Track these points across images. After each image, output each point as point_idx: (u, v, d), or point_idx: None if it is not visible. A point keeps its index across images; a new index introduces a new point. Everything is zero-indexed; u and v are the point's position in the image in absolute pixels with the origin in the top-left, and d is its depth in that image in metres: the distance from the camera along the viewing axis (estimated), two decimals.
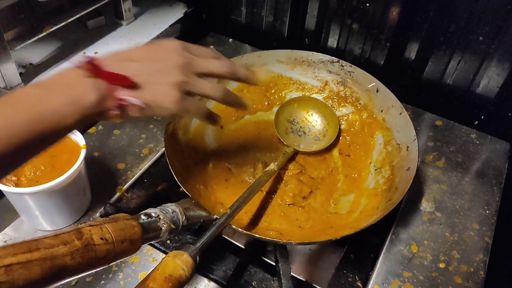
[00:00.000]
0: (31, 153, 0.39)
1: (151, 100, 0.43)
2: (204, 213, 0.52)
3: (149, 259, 0.60)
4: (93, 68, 0.40)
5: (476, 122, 0.86)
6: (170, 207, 0.48)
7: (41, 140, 0.38)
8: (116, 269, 0.58)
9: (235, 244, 0.68)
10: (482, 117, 0.86)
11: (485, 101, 0.84)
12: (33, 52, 0.81)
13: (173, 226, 0.46)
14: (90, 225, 0.39)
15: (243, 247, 0.68)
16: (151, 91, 0.43)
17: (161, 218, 0.45)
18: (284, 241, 0.51)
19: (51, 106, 0.38)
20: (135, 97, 0.42)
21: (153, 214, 0.45)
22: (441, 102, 0.88)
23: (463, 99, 0.85)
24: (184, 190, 0.55)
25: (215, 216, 0.53)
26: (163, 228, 0.45)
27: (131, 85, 0.42)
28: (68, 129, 0.39)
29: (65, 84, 0.39)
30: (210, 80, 0.48)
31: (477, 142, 0.80)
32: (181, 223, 0.47)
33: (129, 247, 0.41)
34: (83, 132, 0.61)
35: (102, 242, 0.38)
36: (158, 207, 0.47)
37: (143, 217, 0.44)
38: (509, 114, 0.83)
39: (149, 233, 0.44)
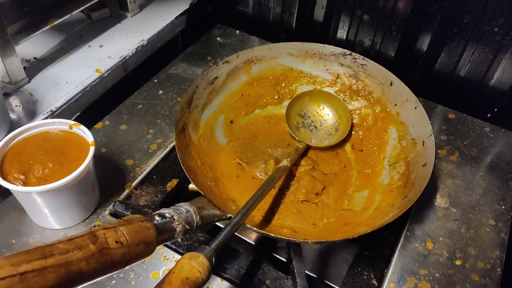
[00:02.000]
0: None
1: None
2: (218, 212, 0.51)
3: (160, 258, 0.58)
4: None
5: (489, 115, 0.85)
6: (184, 206, 0.47)
7: None
8: (128, 268, 0.57)
9: (245, 241, 0.67)
10: (496, 109, 0.84)
11: (499, 94, 0.82)
12: (37, 45, 0.79)
13: (187, 227, 0.45)
14: (105, 228, 0.37)
15: (253, 243, 0.67)
16: None
17: (176, 218, 0.44)
18: (300, 240, 0.50)
19: None
20: None
21: (167, 215, 0.44)
22: (453, 94, 0.86)
23: (476, 91, 0.84)
24: (197, 188, 0.54)
25: (229, 215, 0.52)
26: (177, 229, 0.44)
27: None
28: None
29: None
30: None
31: (491, 135, 0.78)
32: (195, 223, 0.46)
33: (144, 249, 0.40)
34: (89, 127, 0.60)
35: (117, 245, 0.37)
36: (172, 207, 0.46)
37: (157, 218, 0.43)
38: None
39: (163, 235, 0.43)
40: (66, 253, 0.34)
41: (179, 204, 0.47)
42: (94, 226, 0.38)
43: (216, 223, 0.65)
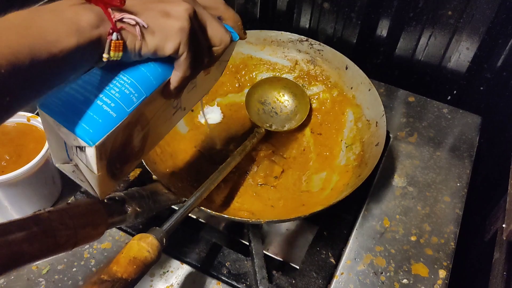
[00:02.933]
0: (34, 86, 0.32)
1: (155, 22, 0.35)
2: (172, 196, 0.52)
3: (121, 245, 0.59)
4: None
5: (449, 98, 0.87)
6: (136, 190, 0.48)
7: (37, 67, 0.30)
8: (88, 256, 0.58)
9: (212, 227, 0.68)
10: (455, 92, 0.87)
11: (457, 76, 0.84)
12: None
13: (138, 209, 0.45)
14: (49, 211, 0.38)
15: (220, 230, 0.68)
16: (153, 14, 0.36)
17: (126, 201, 0.45)
18: (254, 220, 0.51)
19: (41, 22, 0.31)
20: (134, 17, 0.35)
21: (117, 198, 0.45)
22: (413, 78, 0.88)
23: (435, 74, 0.86)
24: (152, 173, 0.55)
25: (184, 199, 0.53)
26: (128, 211, 0.45)
27: (129, 9, 0.35)
28: (66, 57, 0.31)
29: (54, 7, 0.33)
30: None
31: (449, 116, 0.80)
32: (147, 206, 0.47)
33: (92, 232, 0.41)
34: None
35: (62, 227, 0.38)
36: (123, 191, 0.47)
37: (106, 201, 0.44)
38: (481, 88, 0.84)
39: (113, 217, 0.44)
40: (7, 234, 0.34)
41: (132, 188, 0.48)
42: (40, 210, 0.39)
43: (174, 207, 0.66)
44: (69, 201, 0.42)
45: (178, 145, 0.68)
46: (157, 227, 0.44)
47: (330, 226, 0.63)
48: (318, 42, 0.72)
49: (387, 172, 0.70)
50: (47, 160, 0.58)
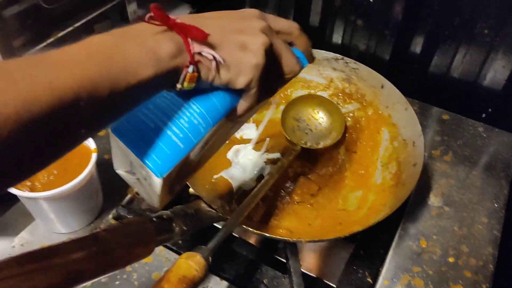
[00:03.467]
0: (108, 114, 0.32)
1: (231, 57, 0.36)
2: (214, 214, 0.53)
3: (162, 259, 0.61)
4: (165, 20, 0.34)
5: (484, 115, 0.86)
6: (182, 209, 0.49)
7: (113, 97, 0.31)
8: (130, 269, 0.59)
9: (246, 242, 0.69)
10: (490, 110, 0.86)
11: (492, 94, 0.84)
12: None
13: (184, 228, 0.47)
14: (106, 230, 0.40)
15: (254, 244, 0.69)
16: (231, 48, 0.36)
17: (173, 220, 0.46)
18: (294, 239, 0.52)
19: (124, 51, 0.31)
20: (213, 52, 0.35)
21: (165, 217, 0.46)
22: (447, 96, 0.88)
23: (469, 92, 0.85)
24: (194, 191, 0.56)
25: (226, 217, 0.54)
26: (175, 230, 0.46)
27: (208, 41, 0.35)
28: (142, 86, 0.32)
29: (137, 34, 0.33)
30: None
31: (484, 135, 0.80)
32: (192, 224, 0.48)
33: (143, 249, 0.42)
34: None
35: (117, 246, 0.39)
36: (170, 209, 0.48)
37: (155, 219, 0.45)
38: None
39: (162, 235, 0.45)
40: (69, 253, 0.36)
41: (177, 206, 0.50)
42: (96, 229, 0.41)
43: (215, 224, 0.67)
44: (120, 220, 0.43)
45: (216, 160, 0.69)
46: (203, 246, 0.45)
47: (366, 245, 0.63)
48: (354, 61, 0.73)
49: (422, 191, 0.70)
50: (92, 175, 0.61)
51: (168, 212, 0.47)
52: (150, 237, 0.43)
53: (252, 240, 0.69)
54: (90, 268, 0.37)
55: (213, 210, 0.54)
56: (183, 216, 0.48)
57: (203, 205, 0.54)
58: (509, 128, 0.81)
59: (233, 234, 0.69)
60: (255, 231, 0.53)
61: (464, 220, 0.67)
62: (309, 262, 0.67)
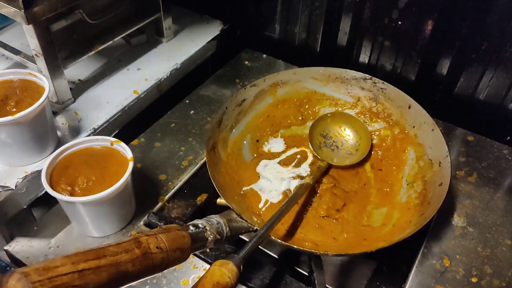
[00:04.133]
0: None
1: None
2: (245, 225, 0.56)
3: (190, 266, 0.63)
4: None
5: (508, 138, 0.87)
6: (215, 218, 0.51)
7: None
8: (160, 275, 0.62)
9: (269, 254, 0.71)
10: None
11: None
12: (81, 69, 0.86)
13: (218, 237, 0.49)
14: (147, 235, 0.42)
15: (276, 257, 0.71)
16: None
17: (208, 229, 0.49)
18: (321, 252, 0.54)
19: None
20: None
21: (200, 225, 0.49)
22: (473, 117, 0.89)
23: (495, 115, 0.86)
24: (225, 202, 0.59)
25: (255, 227, 0.56)
26: (209, 238, 0.48)
27: None
28: None
29: None
30: None
31: (509, 157, 0.80)
32: (225, 234, 0.51)
33: (180, 255, 0.45)
34: (126, 144, 0.65)
35: (157, 250, 0.42)
36: (204, 218, 0.51)
37: (191, 228, 0.48)
38: None
39: (197, 243, 0.47)
40: (116, 255, 0.39)
41: (211, 216, 0.52)
42: (137, 233, 0.43)
43: (240, 237, 0.70)
44: (162, 226, 0.46)
45: (244, 173, 0.72)
46: (235, 254, 0.47)
47: (390, 262, 0.64)
48: (382, 81, 0.75)
49: (446, 211, 0.71)
50: (128, 183, 0.64)
51: (203, 221, 0.50)
52: (187, 244, 0.46)
53: (274, 252, 0.70)
54: (133, 270, 0.39)
55: (244, 221, 0.56)
56: (217, 225, 0.50)
57: (234, 215, 0.56)
58: None
59: (259, 246, 0.71)
60: (283, 242, 0.55)
61: (488, 241, 0.67)
62: (330, 276, 0.68)
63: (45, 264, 0.34)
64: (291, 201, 0.60)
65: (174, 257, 0.44)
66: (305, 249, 0.55)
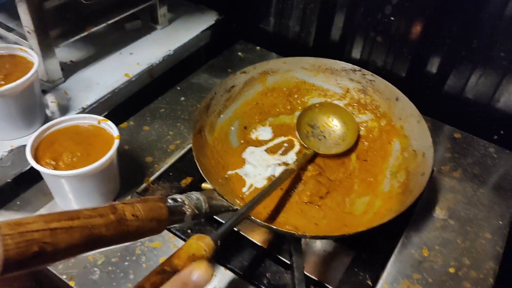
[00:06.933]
0: None
1: None
2: (225, 204, 0.56)
3: (170, 245, 0.63)
4: None
5: (496, 137, 0.88)
6: (195, 194, 0.52)
7: None
8: (140, 252, 0.62)
9: (251, 241, 0.71)
10: (502, 132, 0.87)
11: (505, 116, 0.85)
12: (74, 50, 0.86)
13: (196, 212, 0.49)
14: (124, 203, 0.43)
15: (260, 244, 0.71)
16: None
17: (186, 203, 0.49)
18: (300, 233, 0.54)
19: None
20: None
21: (178, 199, 0.49)
22: (461, 115, 0.89)
23: (483, 113, 0.87)
24: (208, 182, 0.59)
25: (235, 207, 0.57)
26: (187, 212, 0.49)
27: None
28: None
29: None
30: None
31: (495, 156, 0.81)
32: (203, 210, 0.51)
33: (156, 226, 0.45)
34: (115, 125, 0.66)
35: (133, 218, 0.42)
36: (184, 194, 0.51)
37: (170, 201, 0.48)
38: None
39: (174, 216, 0.48)
40: (90, 218, 0.39)
41: (191, 192, 0.52)
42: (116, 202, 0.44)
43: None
44: (140, 197, 0.46)
45: (230, 158, 0.72)
46: (213, 231, 0.48)
47: (369, 250, 0.65)
48: (371, 73, 0.76)
49: (429, 204, 0.72)
50: (112, 160, 0.64)
51: (182, 196, 0.50)
52: (163, 215, 0.46)
53: (257, 239, 0.70)
54: (107, 234, 0.40)
55: (225, 200, 0.56)
56: (196, 201, 0.51)
57: (216, 195, 0.57)
58: None
59: (240, 232, 0.71)
60: (262, 222, 0.55)
61: (468, 234, 0.68)
62: (311, 266, 0.68)
63: (17, 220, 0.35)
64: (274, 184, 0.61)
65: (150, 227, 0.44)
66: (284, 229, 0.55)
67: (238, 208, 0.56)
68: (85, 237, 0.38)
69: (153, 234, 0.46)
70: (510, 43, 0.78)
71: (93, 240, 0.39)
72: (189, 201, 0.50)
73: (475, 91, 0.86)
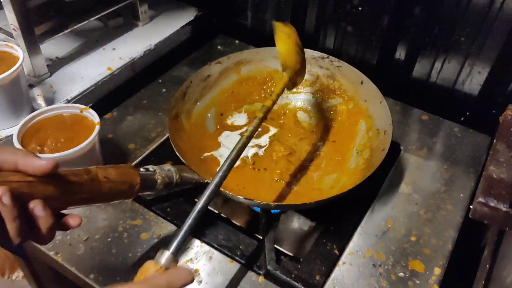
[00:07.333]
0: None
1: None
2: (197, 176, 0.60)
3: (150, 223, 0.68)
4: None
5: (462, 119, 0.92)
6: (167, 166, 0.56)
7: None
8: (122, 230, 0.66)
9: (231, 222, 0.75)
10: (467, 113, 0.92)
11: (469, 99, 0.90)
12: (59, 47, 0.91)
13: (167, 180, 0.54)
14: (97, 167, 0.47)
15: (238, 224, 0.75)
16: None
17: (158, 172, 0.54)
18: (264, 202, 0.59)
19: None
20: None
21: (150, 169, 0.54)
22: (429, 99, 0.94)
23: (448, 96, 0.92)
24: (181, 159, 0.63)
25: (206, 181, 0.61)
26: (158, 180, 0.53)
27: None
28: None
29: None
30: None
31: (459, 135, 0.86)
32: (174, 180, 0.56)
33: (128, 189, 0.50)
34: (100, 117, 0.70)
35: (105, 179, 0.47)
36: (156, 165, 0.56)
37: (142, 169, 0.53)
38: (493, 111, 0.89)
39: (146, 183, 0.52)
40: (65, 176, 0.43)
41: (164, 164, 0.57)
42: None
43: None
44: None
45: (207, 142, 0.76)
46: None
47: (337, 224, 0.69)
48: (338, 59, 0.80)
49: (395, 180, 0.76)
50: (94, 145, 0.68)
51: (154, 166, 0.55)
52: (135, 180, 0.51)
53: (237, 221, 0.74)
54: (80, 192, 0.44)
55: (196, 173, 0.61)
56: (167, 171, 0.55)
57: (188, 169, 0.61)
58: (485, 131, 0.86)
59: (222, 215, 0.74)
60: (232, 194, 0.60)
61: (431, 206, 0.72)
62: (286, 245, 0.71)
63: None
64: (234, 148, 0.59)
65: (122, 189, 0.49)
66: (250, 199, 0.59)
67: (208, 181, 0.59)
68: (60, 191, 0.42)
69: (126, 197, 0.50)
70: (469, 28, 0.82)
71: (68, 195, 0.43)
72: (161, 170, 0.55)
73: (440, 75, 0.90)
